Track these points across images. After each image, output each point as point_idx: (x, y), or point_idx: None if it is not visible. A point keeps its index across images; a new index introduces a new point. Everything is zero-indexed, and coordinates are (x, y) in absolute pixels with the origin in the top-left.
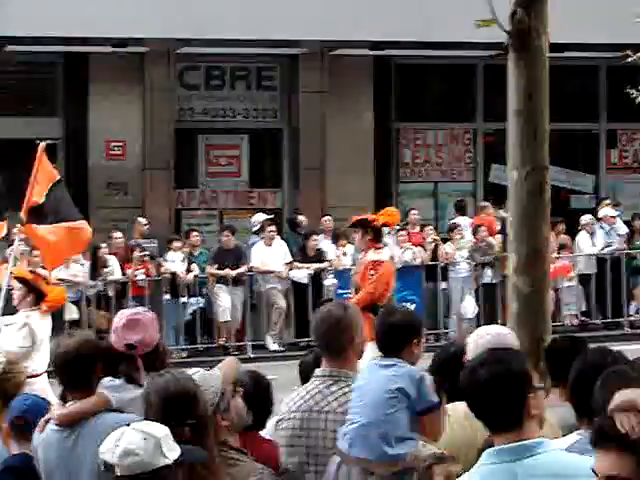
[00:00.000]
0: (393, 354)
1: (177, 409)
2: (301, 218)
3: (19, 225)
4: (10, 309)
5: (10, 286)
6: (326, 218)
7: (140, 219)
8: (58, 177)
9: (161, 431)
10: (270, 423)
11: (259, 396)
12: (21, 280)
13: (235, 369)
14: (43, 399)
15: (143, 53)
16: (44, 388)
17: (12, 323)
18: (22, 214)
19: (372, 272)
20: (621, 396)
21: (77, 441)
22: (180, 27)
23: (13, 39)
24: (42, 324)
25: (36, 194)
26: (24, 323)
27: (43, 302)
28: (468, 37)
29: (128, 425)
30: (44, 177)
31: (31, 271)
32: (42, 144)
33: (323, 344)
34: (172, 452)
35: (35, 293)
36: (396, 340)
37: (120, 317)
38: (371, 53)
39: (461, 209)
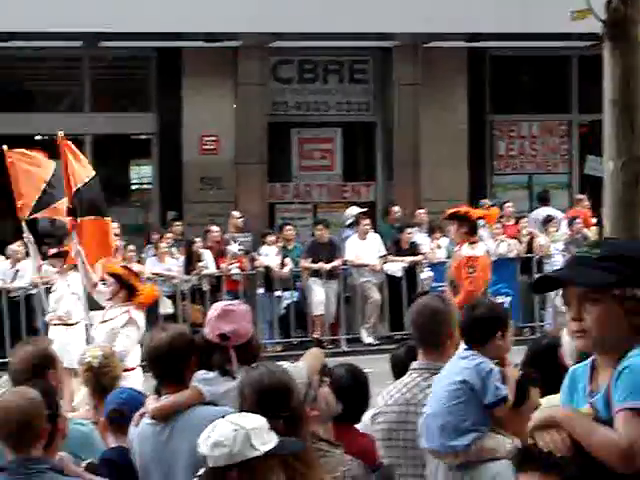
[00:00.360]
0: (477, 347)
1: (271, 402)
2: (396, 209)
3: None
4: (91, 304)
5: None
6: (421, 211)
7: (234, 213)
8: (93, 173)
9: (254, 422)
10: (366, 417)
11: (356, 390)
12: (113, 275)
13: (320, 359)
14: (139, 392)
15: (236, 47)
16: (137, 382)
17: (109, 319)
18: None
19: (470, 269)
20: (539, 413)
21: (172, 435)
22: (273, 21)
23: (107, 35)
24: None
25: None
26: (129, 319)
27: (136, 298)
28: (564, 28)
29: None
30: (77, 171)
31: (123, 266)
32: (60, 133)
33: (420, 337)
34: (264, 444)
35: (127, 288)
36: (480, 333)
37: (214, 308)
38: (466, 45)
39: (544, 200)
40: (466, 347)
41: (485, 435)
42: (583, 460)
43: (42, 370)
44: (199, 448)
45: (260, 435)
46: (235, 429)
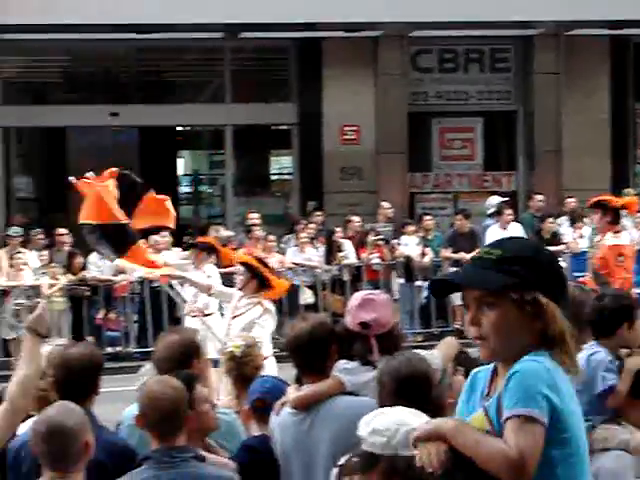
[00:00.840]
0: (603, 338)
1: (410, 391)
2: (538, 198)
3: None
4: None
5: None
6: (570, 200)
7: (384, 203)
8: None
9: (419, 423)
10: None
11: None
12: (244, 264)
13: (454, 348)
14: (282, 381)
15: (376, 37)
16: (272, 371)
17: (241, 313)
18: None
19: (620, 258)
20: (426, 424)
21: (312, 424)
22: (413, 10)
23: (248, 26)
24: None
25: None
26: (264, 309)
27: (268, 292)
28: None
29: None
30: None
31: (256, 257)
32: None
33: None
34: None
35: (258, 279)
36: (606, 324)
37: (355, 298)
38: (609, 33)
39: None
40: (594, 338)
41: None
42: (466, 476)
43: (188, 360)
44: (359, 429)
45: None
46: (399, 423)
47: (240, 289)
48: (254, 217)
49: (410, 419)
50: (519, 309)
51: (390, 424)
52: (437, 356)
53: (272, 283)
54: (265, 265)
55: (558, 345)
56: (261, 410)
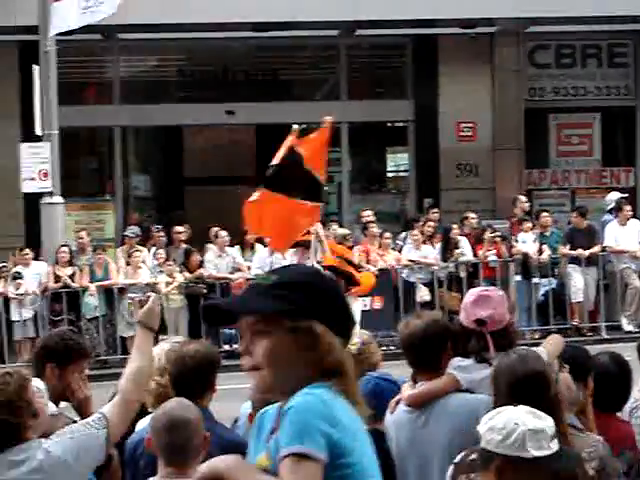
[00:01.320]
0: None
1: (524, 389)
2: None
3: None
4: None
5: None
6: None
7: (521, 197)
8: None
9: (538, 424)
10: (625, 409)
11: (620, 378)
12: (329, 268)
13: (561, 345)
14: (391, 381)
15: (492, 33)
16: None
17: None
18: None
19: None
20: (207, 463)
21: (427, 421)
22: (530, 5)
23: (363, 23)
24: (354, 307)
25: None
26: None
27: (355, 288)
28: None
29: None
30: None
31: (338, 257)
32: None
33: None
34: (539, 449)
35: (344, 278)
36: None
37: (470, 294)
38: None
39: None
40: None
41: None
42: None
43: None
44: (479, 425)
45: (538, 439)
46: (517, 423)
47: None
48: (368, 214)
49: (528, 419)
50: (293, 338)
51: (508, 423)
52: (543, 352)
53: (359, 280)
54: (350, 263)
55: (336, 376)
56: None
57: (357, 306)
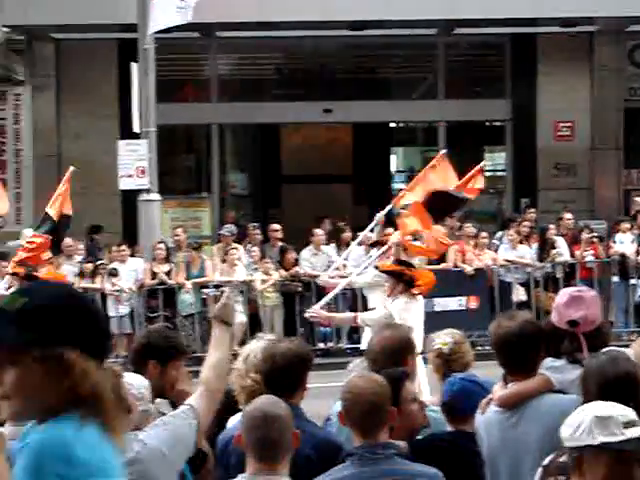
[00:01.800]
0: None
1: (615, 391)
2: None
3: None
4: None
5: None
6: None
7: (637, 199)
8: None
9: (605, 411)
10: None
11: None
12: (387, 272)
13: None
14: (477, 382)
15: (592, 32)
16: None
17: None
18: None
19: None
20: None
21: (519, 422)
22: (631, 4)
23: (462, 22)
24: (410, 308)
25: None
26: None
27: (416, 288)
28: None
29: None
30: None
31: (396, 260)
32: None
33: None
34: (606, 436)
35: (403, 281)
36: None
37: (563, 295)
38: None
39: None
40: None
41: None
42: None
43: (402, 356)
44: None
45: (606, 425)
46: (586, 414)
47: (389, 295)
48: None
49: (597, 408)
50: (43, 368)
51: (578, 415)
52: (630, 354)
53: (418, 280)
54: (405, 264)
55: (90, 404)
56: (452, 409)
57: (419, 307)
